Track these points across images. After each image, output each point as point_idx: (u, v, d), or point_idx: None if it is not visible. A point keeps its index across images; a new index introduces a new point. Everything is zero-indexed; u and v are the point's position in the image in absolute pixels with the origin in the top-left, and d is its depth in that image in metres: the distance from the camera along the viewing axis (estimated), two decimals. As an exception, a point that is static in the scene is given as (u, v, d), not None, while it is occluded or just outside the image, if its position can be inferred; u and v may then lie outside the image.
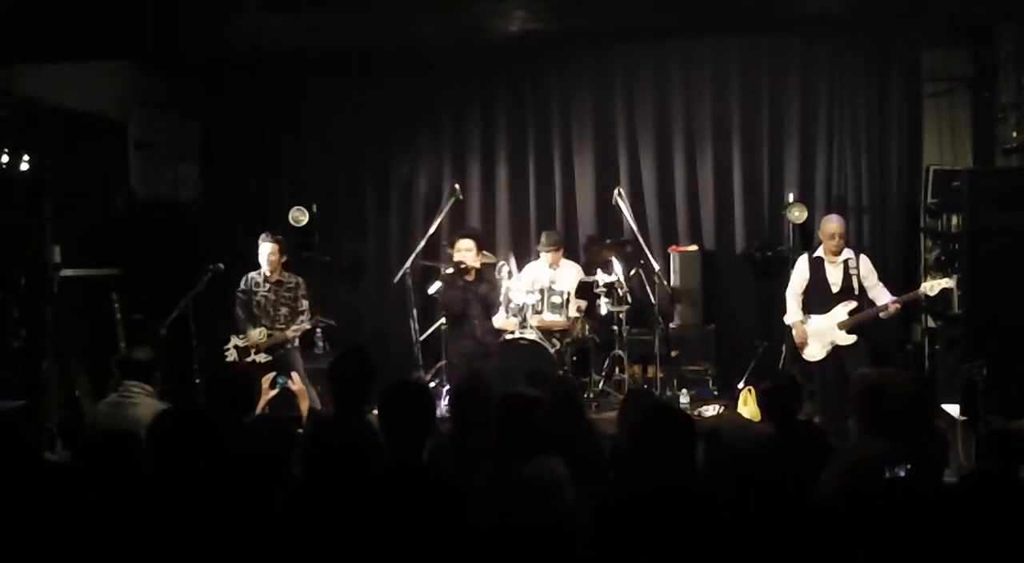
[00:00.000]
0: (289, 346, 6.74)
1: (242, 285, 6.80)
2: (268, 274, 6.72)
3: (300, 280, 6.83)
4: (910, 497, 3.12)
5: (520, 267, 8.12)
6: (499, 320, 7.21)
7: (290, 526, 3.06)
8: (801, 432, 4.03)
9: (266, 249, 6.69)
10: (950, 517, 2.70)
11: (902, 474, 3.14)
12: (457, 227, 8.10)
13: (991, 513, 2.65)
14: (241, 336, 6.69)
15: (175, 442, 3.32)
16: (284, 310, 6.72)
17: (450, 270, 6.79)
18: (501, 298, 7.28)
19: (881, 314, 6.40)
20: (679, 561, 2.86)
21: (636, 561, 2.91)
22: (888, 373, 4.15)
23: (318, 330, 7.97)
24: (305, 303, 6.75)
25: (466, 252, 6.76)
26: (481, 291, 6.80)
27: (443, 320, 7.31)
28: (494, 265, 7.77)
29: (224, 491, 3.17)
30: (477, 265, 6.78)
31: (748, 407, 6.95)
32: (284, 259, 6.81)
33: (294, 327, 6.64)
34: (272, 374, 5.17)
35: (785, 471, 3.29)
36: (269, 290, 6.73)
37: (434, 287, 7.43)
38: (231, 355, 6.65)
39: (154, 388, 4.79)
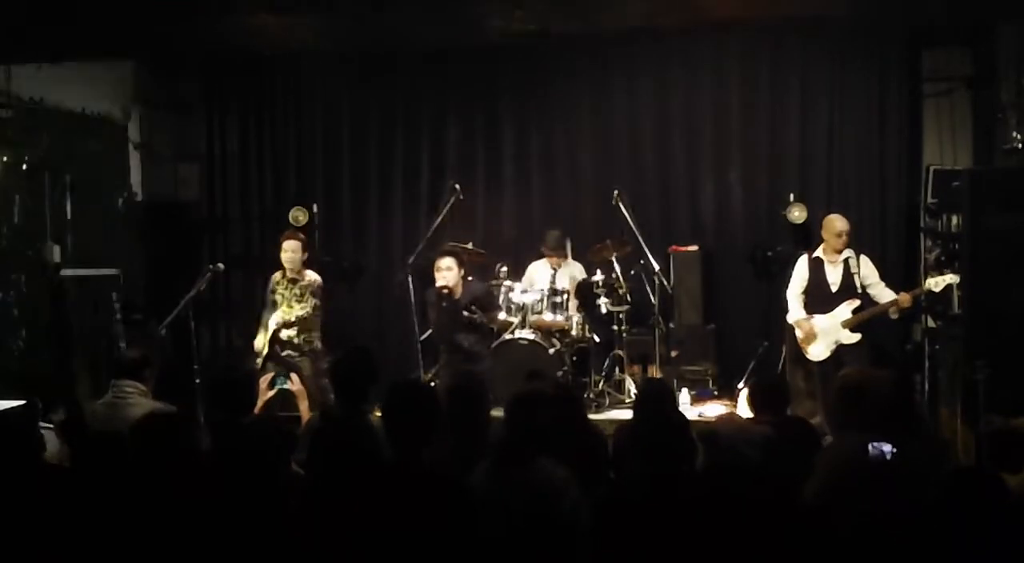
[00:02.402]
0: (307, 348, 6.83)
1: (269, 285, 7.00)
2: (287, 272, 6.86)
3: (315, 279, 6.95)
4: (903, 497, 3.12)
5: (520, 267, 8.11)
6: (501, 316, 7.24)
7: (289, 526, 3.06)
8: (795, 430, 4.04)
9: (287, 246, 6.85)
10: (944, 517, 2.69)
11: (885, 452, 3.13)
12: (457, 227, 8.10)
13: (986, 513, 2.65)
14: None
15: (156, 444, 3.34)
16: (296, 308, 6.83)
17: (436, 293, 6.85)
18: (501, 299, 7.28)
19: (891, 311, 6.41)
20: (679, 560, 2.86)
21: (636, 560, 2.91)
22: (870, 373, 4.14)
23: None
24: (312, 301, 6.83)
25: (446, 272, 6.85)
26: (471, 306, 6.84)
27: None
28: (494, 266, 7.76)
29: (221, 491, 3.18)
30: (458, 283, 6.83)
31: (748, 407, 6.94)
32: (305, 257, 6.93)
33: (277, 314, 6.74)
34: (271, 374, 5.17)
35: (782, 471, 3.29)
36: (285, 288, 6.88)
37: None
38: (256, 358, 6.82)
39: (147, 386, 4.80)
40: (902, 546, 2.79)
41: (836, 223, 6.60)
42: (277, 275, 6.96)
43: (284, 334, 6.77)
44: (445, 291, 6.81)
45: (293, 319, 6.76)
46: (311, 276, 6.94)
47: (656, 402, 4.11)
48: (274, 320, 6.77)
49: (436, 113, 8.61)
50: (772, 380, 4.62)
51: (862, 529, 2.91)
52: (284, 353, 6.73)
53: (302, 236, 7.00)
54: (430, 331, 7.70)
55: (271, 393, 5.14)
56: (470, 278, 7.26)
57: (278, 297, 6.90)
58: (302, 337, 6.83)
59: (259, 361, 6.74)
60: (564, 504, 3.16)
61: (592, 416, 6.89)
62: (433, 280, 7.14)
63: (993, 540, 2.59)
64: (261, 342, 6.84)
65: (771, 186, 8.17)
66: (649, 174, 8.37)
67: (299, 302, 6.81)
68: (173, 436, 3.42)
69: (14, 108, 6.98)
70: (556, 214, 8.43)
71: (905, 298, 6.39)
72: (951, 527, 2.65)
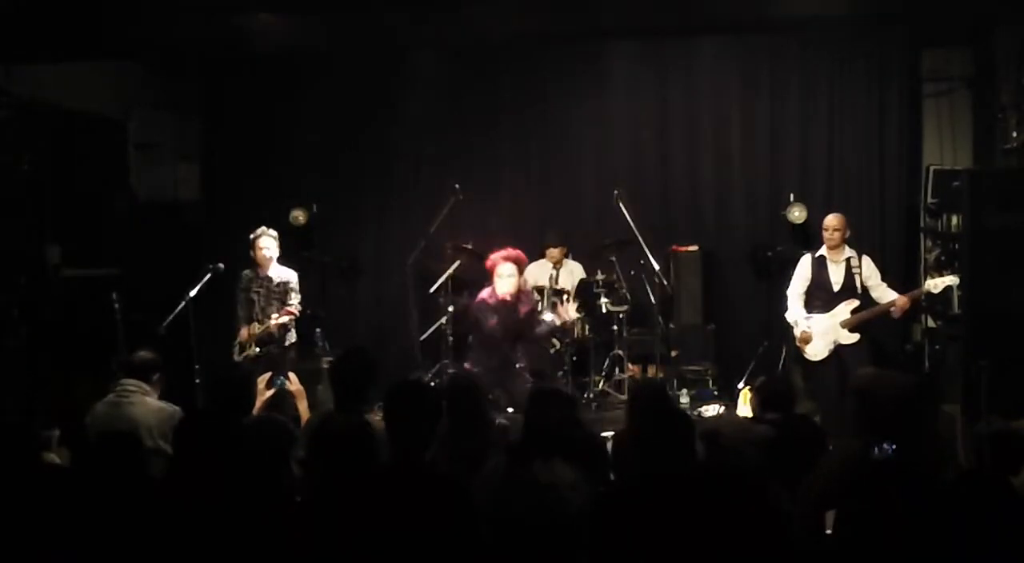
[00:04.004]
0: (286, 344, 6.79)
1: (240, 282, 6.89)
2: (261, 269, 6.79)
3: (292, 275, 6.88)
4: (905, 498, 3.12)
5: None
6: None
7: (289, 526, 3.06)
8: (801, 430, 4.03)
9: (267, 241, 6.77)
10: (945, 518, 2.69)
11: (889, 453, 3.13)
12: (457, 228, 8.07)
13: (987, 514, 2.64)
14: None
15: (199, 445, 3.31)
16: (276, 305, 6.76)
17: (491, 300, 6.81)
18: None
19: (892, 310, 6.42)
20: (678, 557, 2.86)
21: (635, 556, 2.91)
22: (881, 375, 4.14)
23: (317, 330, 7.99)
24: (296, 297, 6.78)
25: (508, 278, 6.79)
26: (519, 314, 6.82)
27: (443, 320, 7.32)
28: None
29: (223, 491, 3.17)
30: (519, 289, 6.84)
31: (748, 407, 6.94)
32: (278, 253, 6.89)
33: (274, 317, 6.68)
34: (269, 374, 5.15)
35: (785, 471, 3.28)
36: (261, 286, 6.82)
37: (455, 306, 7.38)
38: (236, 353, 6.78)
39: (154, 389, 4.78)
40: (905, 547, 2.79)
41: (826, 219, 6.66)
42: (249, 272, 6.85)
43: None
44: (507, 301, 6.81)
45: (274, 328, 6.73)
46: (289, 272, 6.88)
47: (651, 401, 4.09)
48: (254, 329, 6.73)
49: (435, 113, 8.60)
50: (780, 379, 4.60)
51: (865, 530, 2.91)
52: (265, 349, 6.72)
53: (275, 231, 6.94)
54: (430, 330, 7.72)
55: (270, 393, 5.13)
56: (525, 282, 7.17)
57: (254, 295, 6.80)
58: (281, 332, 6.80)
59: (247, 354, 6.72)
60: (571, 506, 3.14)
61: (592, 416, 6.91)
62: (436, 281, 7.11)
63: (998, 542, 2.59)
64: (246, 334, 6.79)
65: (771, 186, 8.18)
66: (649, 174, 8.37)
67: (279, 300, 6.76)
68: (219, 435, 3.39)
69: (14, 108, 6.97)
70: (556, 214, 8.44)
71: (904, 300, 6.39)
72: (956, 529, 2.64)
